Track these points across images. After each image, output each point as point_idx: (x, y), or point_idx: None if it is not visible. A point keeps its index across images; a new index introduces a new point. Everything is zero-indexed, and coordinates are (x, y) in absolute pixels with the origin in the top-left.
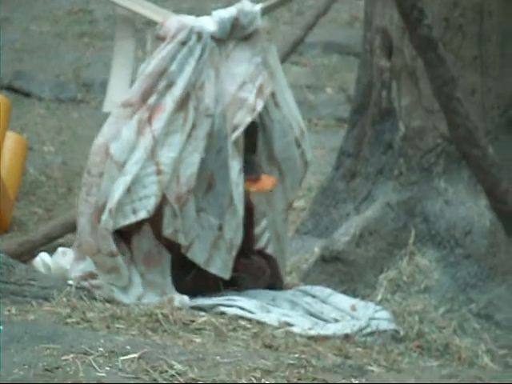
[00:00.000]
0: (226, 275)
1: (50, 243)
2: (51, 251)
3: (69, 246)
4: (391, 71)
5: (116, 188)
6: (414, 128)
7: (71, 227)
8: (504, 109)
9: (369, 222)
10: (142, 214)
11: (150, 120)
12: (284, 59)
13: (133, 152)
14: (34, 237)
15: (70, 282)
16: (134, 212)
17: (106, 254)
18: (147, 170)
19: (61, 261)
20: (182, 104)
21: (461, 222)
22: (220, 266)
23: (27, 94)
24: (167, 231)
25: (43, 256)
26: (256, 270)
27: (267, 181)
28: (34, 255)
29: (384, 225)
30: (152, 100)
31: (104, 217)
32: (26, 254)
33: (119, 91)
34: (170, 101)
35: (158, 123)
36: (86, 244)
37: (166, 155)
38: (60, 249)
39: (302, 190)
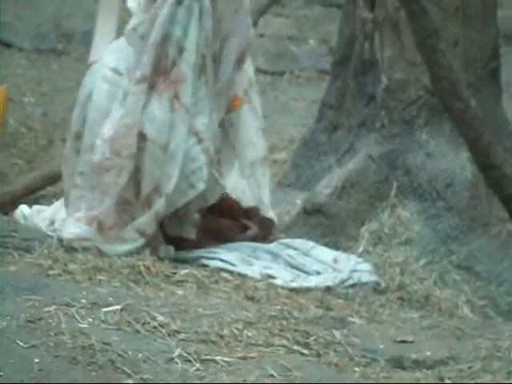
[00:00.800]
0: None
1: (30, 195)
2: (31, 203)
3: (50, 198)
4: (374, 23)
5: (171, 173)
6: (396, 80)
7: (52, 179)
8: (486, 61)
9: (351, 175)
10: (201, 186)
11: (176, 95)
12: (265, 11)
13: (172, 131)
14: (15, 188)
15: (50, 233)
16: (192, 186)
17: (136, 230)
18: (189, 143)
19: (35, 219)
20: (200, 68)
21: (442, 174)
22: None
23: (7, 45)
24: (212, 199)
25: (23, 208)
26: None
27: (235, 98)
28: (15, 207)
29: (366, 177)
30: (169, 73)
31: (160, 201)
32: (6, 206)
33: (105, 41)
34: (187, 69)
35: (185, 96)
36: (105, 221)
37: (200, 122)
38: (35, 207)
39: (284, 141)
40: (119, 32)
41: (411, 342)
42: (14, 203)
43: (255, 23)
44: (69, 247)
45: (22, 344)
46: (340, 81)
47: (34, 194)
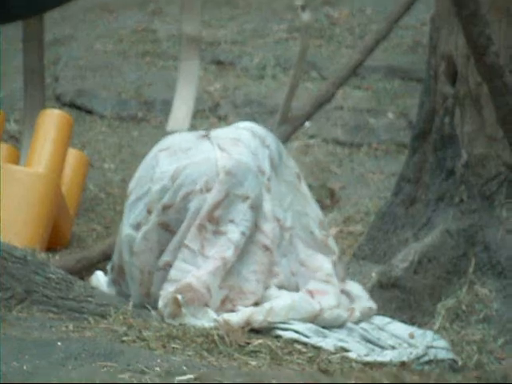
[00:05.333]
0: None
1: (107, 260)
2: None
3: None
4: (455, 98)
5: None
6: (476, 155)
7: None
8: None
9: (428, 249)
10: None
11: None
12: (343, 83)
13: None
14: (92, 253)
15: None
16: None
17: None
18: None
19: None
20: None
21: None
22: None
23: (89, 112)
24: None
25: (98, 274)
26: None
27: None
28: (92, 272)
29: (443, 252)
30: None
31: None
32: (84, 271)
33: (183, 110)
34: None
35: None
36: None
37: None
38: (98, 272)
39: (360, 214)
40: (197, 100)
41: None
42: (90, 268)
43: (333, 95)
44: (144, 313)
45: None
46: (419, 155)
47: (109, 259)
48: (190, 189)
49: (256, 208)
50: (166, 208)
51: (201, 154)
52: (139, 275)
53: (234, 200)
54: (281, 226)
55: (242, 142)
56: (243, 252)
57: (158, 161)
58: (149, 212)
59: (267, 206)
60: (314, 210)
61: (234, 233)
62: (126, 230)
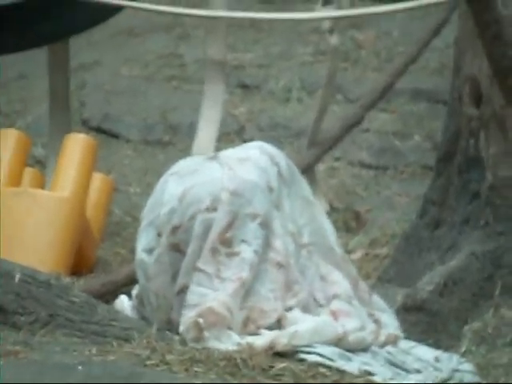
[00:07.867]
0: None
1: (132, 284)
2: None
3: None
4: (479, 120)
5: None
6: (501, 178)
7: None
8: None
9: (453, 272)
10: None
11: None
12: (372, 106)
13: None
14: (117, 277)
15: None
16: None
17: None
18: None
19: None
20: None
21: None
22: None
23: (115, 136)
24: None
25: (123, 298)
26: None
27: None
28: (116, 296)
29: (469, 275)
30: None
31: None
32: (108, 294)
33: (208, 134)
34: None
35: None
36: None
37: None
38: (122, 296)
39: (386, 236)
40: (222, 124)
41: None
42: (115, 292)
43: (363, 118)
44: (168, 337)
45: None
46: (444, 177)
47: (135, 284)
48: (197, 208)
49: (266, 225)
50: (175, 229)
51: (208, 174)
52: (155, 300)
53: (244, 219)
54: (296, 242)
55: (249, 161)
56: (258, 271)
57: (167, 185)
58: (159, 235)
59: (277, 223)
60: (331, 228)
61: (247, 252)
62: (138, 255)
